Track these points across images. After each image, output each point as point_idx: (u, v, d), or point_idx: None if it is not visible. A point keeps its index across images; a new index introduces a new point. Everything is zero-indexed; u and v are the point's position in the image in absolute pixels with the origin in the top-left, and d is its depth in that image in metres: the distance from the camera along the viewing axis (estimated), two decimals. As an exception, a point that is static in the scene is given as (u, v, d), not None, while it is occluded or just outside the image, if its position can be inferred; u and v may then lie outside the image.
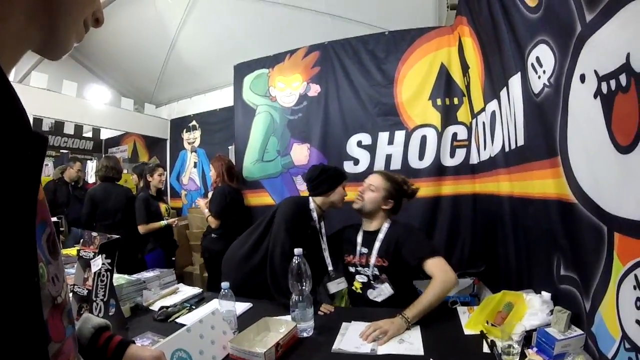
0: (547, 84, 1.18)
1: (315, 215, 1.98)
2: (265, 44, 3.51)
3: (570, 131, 1.05)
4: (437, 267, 1.55)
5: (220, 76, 4.01)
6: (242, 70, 3.65)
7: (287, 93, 3.41)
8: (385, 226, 1.80)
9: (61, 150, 5.14)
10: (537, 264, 1.51)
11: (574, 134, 1.03)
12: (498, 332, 1.20)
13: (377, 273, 1.75)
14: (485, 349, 1.20)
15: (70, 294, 1.44)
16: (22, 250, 0.36)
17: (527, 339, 1.17)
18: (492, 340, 1.19)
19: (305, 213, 1.97)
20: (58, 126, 4.84)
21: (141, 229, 3.19)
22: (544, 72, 1.20)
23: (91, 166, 5.07)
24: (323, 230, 2.01)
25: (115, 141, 6.39)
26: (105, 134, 6.36)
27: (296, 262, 1.45)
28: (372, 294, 1.77)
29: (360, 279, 1.81)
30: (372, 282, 1.76)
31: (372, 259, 1.75)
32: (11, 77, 0.42)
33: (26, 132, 0.37)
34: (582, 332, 1.08)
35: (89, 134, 5.44)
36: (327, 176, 2.00)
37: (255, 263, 1.94)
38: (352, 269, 1.85)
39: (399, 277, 1.74)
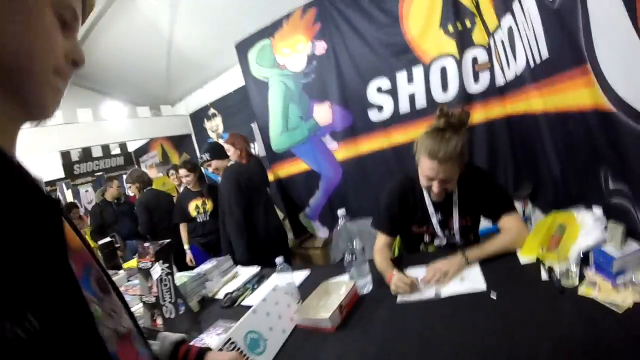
0: (560, -13, 1.08)
1: None
2: (261, 14, 3.39)
3: (595, 34, 0.95)
4: (513, 224, 1.41)
5: (225, 59, 3.96)
6: (244, 46, 3.60)
7: (295, 57, 3.34)
8: (456, 185, 1.52)
9: (95, 174, 5.36)
10: (585, 180, 1.43)
11: (600, 36, 0.94)
12: (554, 256, 1.14)
13: (461, 234, 1.56)
14: (544, 276, 1.14)
15: (141, 304, 1.52)
16: (70, 301, 0.39)
17: (584, 259, 1.09)
18: (549, 267, 1.14)
19: None
20: (85, 152, 5.04)
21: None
22: (554, -25, 1.09)
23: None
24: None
25: (143, 150, 6.55)
26: (132, 146, 6.53)
27: (342, 222, 1.44)
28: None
29: (438, 242, 1.61)
30: (456, 243, 1.57)
31: (455, 224, 1.53)
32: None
33: (40, 199, 0.39)
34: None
35: (117, 151, 5.62)
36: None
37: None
38: (427, 238, 1.63)
39: (477, 229, 1.60)
